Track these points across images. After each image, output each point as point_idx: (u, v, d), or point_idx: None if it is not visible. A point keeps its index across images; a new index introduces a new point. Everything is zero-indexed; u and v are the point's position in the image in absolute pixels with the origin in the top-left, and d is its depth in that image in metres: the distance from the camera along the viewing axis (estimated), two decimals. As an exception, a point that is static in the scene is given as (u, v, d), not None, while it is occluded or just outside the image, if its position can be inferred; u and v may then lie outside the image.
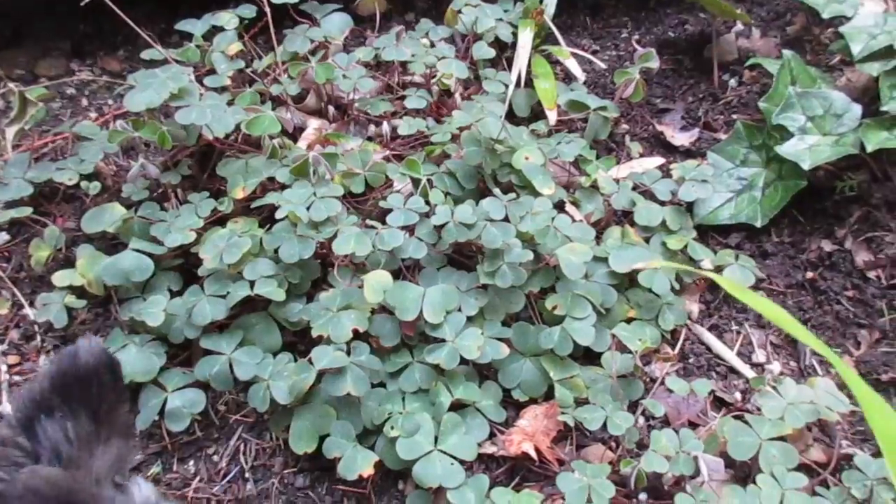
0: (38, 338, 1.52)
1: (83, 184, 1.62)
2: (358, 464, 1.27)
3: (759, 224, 1.61)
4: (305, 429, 1.32)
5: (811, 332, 1.48)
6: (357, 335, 1.33)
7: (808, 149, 1.56)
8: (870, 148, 1.49)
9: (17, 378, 1.47)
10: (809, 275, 1.57)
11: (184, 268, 1.51)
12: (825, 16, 1.72)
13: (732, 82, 1.90)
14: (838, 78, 1.75)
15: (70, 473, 0.90)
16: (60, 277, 1.49)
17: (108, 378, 0.94)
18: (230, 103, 1.59)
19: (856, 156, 1.54)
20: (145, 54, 1.70)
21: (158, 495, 0.97)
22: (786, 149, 1.57)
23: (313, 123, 1.75)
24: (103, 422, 0.94)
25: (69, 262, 1.54)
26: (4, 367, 1.47)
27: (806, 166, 1.53)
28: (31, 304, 1.54)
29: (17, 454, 0.93)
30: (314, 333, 1.33)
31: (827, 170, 1.64)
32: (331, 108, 1.76)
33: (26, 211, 1.59)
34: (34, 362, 1.49)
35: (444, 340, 1.34)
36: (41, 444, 0.92)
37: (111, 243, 1.56)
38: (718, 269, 1.53)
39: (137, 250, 1.46)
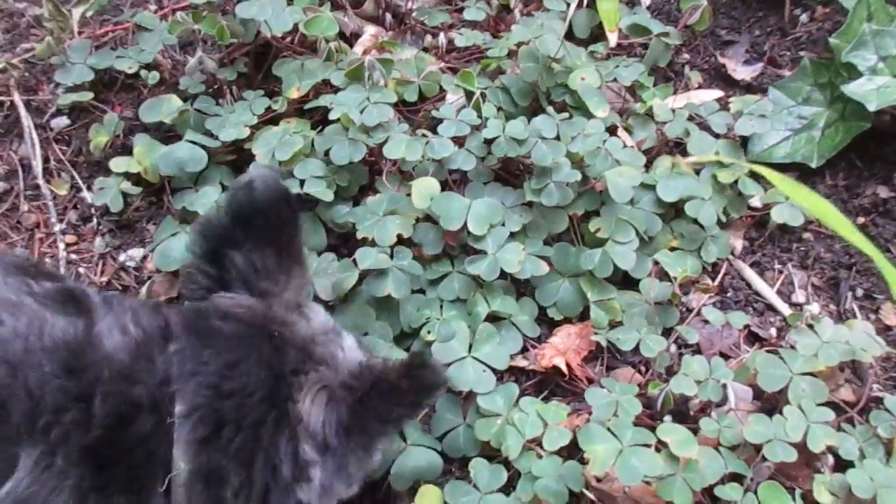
0: (95, 220, 1.57)
1: (142, 73, 1.64)
2: None
3: (814, 165, 1.58)
4: (344, 326, 1.35)
5: (856, 276, 1.48)
6: (400, 241, 1.36)
7: (876, 90, 1.50)
8: (942, 93, 1.43)
9: (73, 256, 1.53)
10: (861, 220, 1.55)
11: (236, 163, 1.54)
12: (912, -50, 1.63)
13: (804, 17, 1.82)
14: (917, 18, 1.67)
15: (265, 302, 0.99)
16: (117, 164, 1.53)
17: (284, 209, 1.00)
18: (289, 2, 1.59)
19: (926, 100, 1.48)
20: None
21: (330, 318, 1.06)
22: (852, 88, 1.52)
23: (370, 30, 1.74)
24: (284, 253, 1.01)
25: (126, 150, 1.58)
26: (63, 246, 1.53)
27: (872, 108, 1.48)
28: (89, 188, 1.60)
29: (207, 282, 1.02)
30: (359, 235, 1.35)
31: (892, 114, 1.58)
32: (388, 16, 1.74)
33: (87, 96, 1.63)
34: (90, 242, 1.55)
35: (485, 252, 1.36)
36: (230, 274, 1.00)
37: (167, 134, 1.60)
38: (767, 207, 1.51)
39: (192, 142, 1.49)
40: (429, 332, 1.32)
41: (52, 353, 0.85)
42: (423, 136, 1.43)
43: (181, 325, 0.94)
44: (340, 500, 1.00)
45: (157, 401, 0.87)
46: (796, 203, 1.50)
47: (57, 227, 1.55)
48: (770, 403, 1.30)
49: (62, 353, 0.85)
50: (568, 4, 1.69)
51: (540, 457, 1.20)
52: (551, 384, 1.38)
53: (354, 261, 1.34)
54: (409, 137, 1.41)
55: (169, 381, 0.88)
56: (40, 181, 1.60)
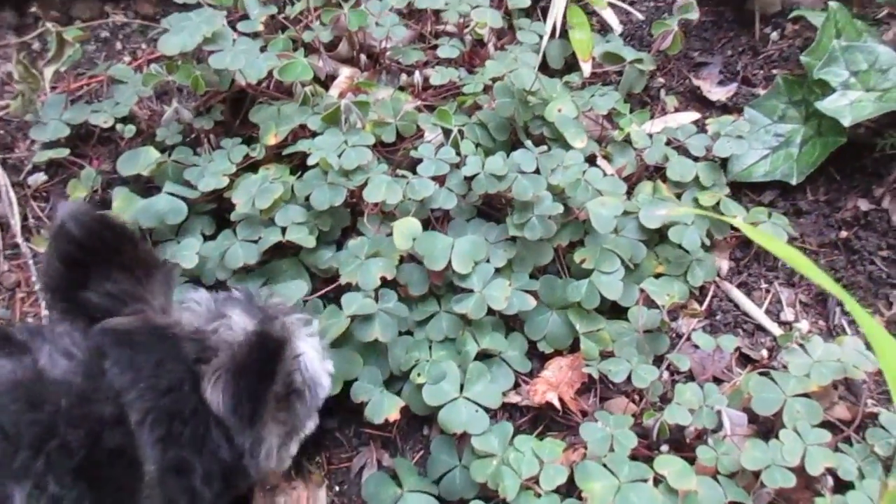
0: (76, 277, 1.55)
1: (118, 126, 1.64)
2: (384, 408, 1.30)
3: (794, 181, 1.59)
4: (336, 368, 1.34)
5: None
6: (385, 283, 1.35)
7: (849, 104, 1.52)
8: (914, 105, 1.45)
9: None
10: (844, 234, 1.55)
11: (216, 212, 1.53)
12: (875, -34, 1.66)
13: (774, 35, 1.84)
14: (885, 31, 1.69)
15: (142, 315, 1.02)
16: (97, 219, 1.52)
17: (107, 233, 1.00)
18: (263, 49, 1.59)
19: (899, 113, 1.50)
20: (179, -3, 1.70)
21: (212, 301, 1.10)
22: (826, 104, 1.53)
23: (345, 71, 1.74)
24: (132, 268, 1.02)
25: (105, 204, 1.57)
26: (44, 304, 1.51)
27: (846, 122, 1.49)
28: (69, 245, 1.57)
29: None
30: (342, 280, 1.35)
31: (868, 127, 1.60)
32: (363, 56, 1.75)
33: (63, 152, 1.62)
34: (72, 301, 1.53)
35: (471, 290, 1.35)
36: (93, 311, 1.01)
37: (146, 186, 1.59)
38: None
39: (171, 194, 1.48)
40: (419, 375, 1.31)
41: (10, 392, 0.87)
42: (403, 176, 1.43)
43: (107, 340, 0.98)
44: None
45: (118, 413, 0.91)
46: (778, 221, 1.50)
47: (38, 286, 1.53)
48: (766, 427, 1.29)
49: (20, 390, 0.88)
50: (541, 36, 1.70)
51: (538, 496, 1.19)
52: (545, 419, 1.37)
53: (340, 306, 1.33)
54: (389, 179, 1.41)
55: (120, 393, 0.92)
56: (19, 239, 1.59)
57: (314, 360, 1.14)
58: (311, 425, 1.17)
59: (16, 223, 1.60)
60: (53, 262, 1.00)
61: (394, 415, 1.30)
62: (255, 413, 0.96)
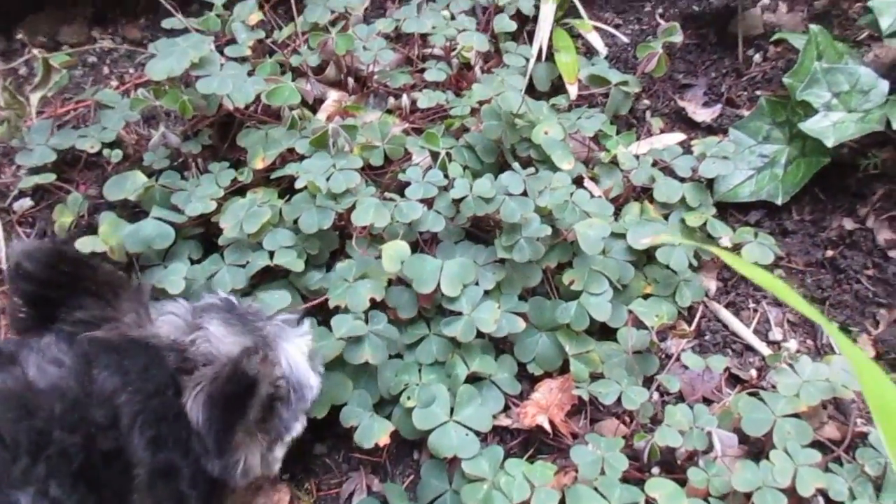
0: (62, 303, 1.54)
1: (105, 151, 1.63)
2: (374, 433, 1.29)
3: (779, 201, 1.60)
4: (327, 392, 1.32)
5: (830, 310, 1.49)
6: (374, 305, 1.34)
7: (832, 125, 1.54)
8: (896, 125, 1.47)
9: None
10: (829, 253, 1.56)
11: (204, 236, 1.52)
12: (854, -10, 1.69)
13: (757, 57, 1.87)
14: (866, 53, 1.72)
15: (116, 331, 1.04)
16: (83, 243, 1.50)
17: (65, 263, 1.01)
18: (250, 73, 1.60)
19: (881, 133, 1.51)
20: (166, 23, 1.70)
21: (189, 311, 1.11)
22: (810, 125, 1.55)
23: (333, 95, 1.75)
24: (99, 292, 1.03)
25: (92, 229, 1.55)
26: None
27: (830, 143, 1.51)
28: (55, 270, 1.56)
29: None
30: (331, 304, 1.34)
31: (851, 147, 1.62)
32: (350, 80, 1.75)
33: (50, 177, 1.61)
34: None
35: (460, 313, 1.35)
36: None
37: (133, 211, 1.58)
38: (737, 247, 1.52)
39: (158, 218, 1.47)
40: (408, 399, 1.30)
41: (4, 402, 0.89)
42: (391, 199, 1.43)
43: (93, 348, 0.99)
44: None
45: (111, 416, 0.93)
46: (765, 241, 1.51)
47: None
48: (756, 447, 1.29)
49: (13, 399, 0.89)
50: (527, 59, 1.72)
51: (529, 520, 1.18)
52: (536, 442, 1.36)
53: (330, 328, 1.32)
54: (378, 202, 1.41)
55: (111, 396, 0.94)
56: (4, 266, 1.57)
57: (301, 363, 1.15)
58: (298, 427, 1.18)
59: (1, 249, 1.59)
60: (18, 304, 1.01)
61: (384, 439, 1.29)
62: (224, 442, 0.98)
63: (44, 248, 1.01)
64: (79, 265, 1.02)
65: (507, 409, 1.38)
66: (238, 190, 1.53)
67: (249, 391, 0.94)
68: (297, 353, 1.16)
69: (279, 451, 1.16)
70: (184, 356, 1.03)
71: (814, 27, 1.65)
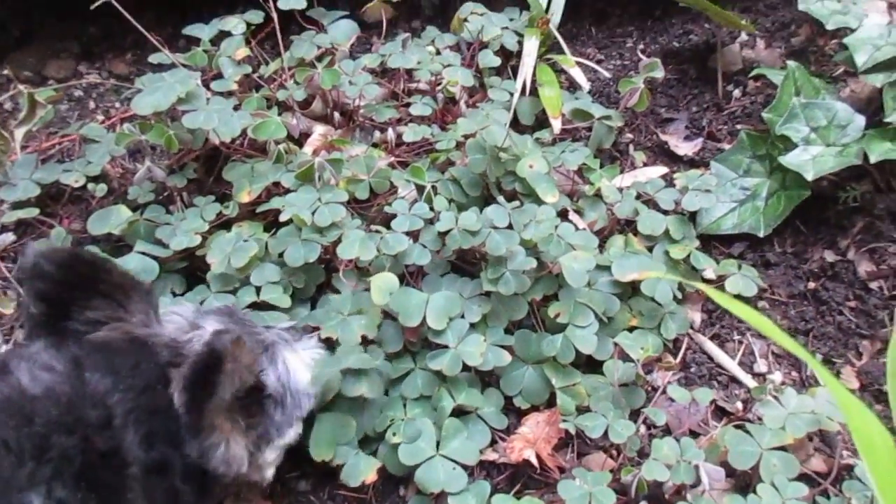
0: (43, 339, 1.52)
1: (89, 185, 1.63)
2: (361, 470, 1.28)
3: (761, 234, 1.62)
4: (325, 436, 1.31)
5: (813, 342, 1.50)
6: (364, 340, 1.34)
7: (811, 159, 1.56)
8: (873, 159, 1.49)
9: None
10: (812, 285, 1.58)
11: (188, 270, 1.52)
12: (829, 27, 1.73)
13: (736, 92, 1.91)
14: (842, 89, 1.76)
15: (119, 329, 1.06)
16: (66, 279, 1.49)
17: (81, 265, 1.05)
18: (237, 108, 1.61)
19: (859, 166, 1.54)
20: (153, 58, 1.72)
21: (191, 312, 1.15)
22: (789, 159, 1.58)
23: (319, 129, 1.76)
24: (110, 293, 1.06)
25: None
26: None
27: (809, 177, 1.54)
28: (37, 305, 1.55)
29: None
30: (322, 335, 1.34)
31: (830, 180, 1.64)
32: (336, 114, 1.77)
33: (33, 212, 1.60)
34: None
35: (446, 347, 1.34)
36: (78, 335, 1.05)
37: (116, 245, 1.57)
38: (721, 279, 1.53)
39: (143, 252, 1.47)
40: (394, 434, 1.29)
41: (5, 411, 0.91)
42: (377, 231, 1.44)
43: (83, 351, 1.02)
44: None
45: (105, 415, 0.96)
46: (748, 273, 1.53)
47: (3, 348, 1.49)
48: (743, 481, 1.29)
49: (13, 408, 0.91)
50: (511, 94, 1.74)
51: (517, 558, 1.16)
52: (523, 476, 1.35)
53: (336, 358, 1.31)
54: (364, 234, 1.41)
55: (104, 397, 0.97)
56: (-12, 299, 1.56)
57: (299, 370, 1.19)
58: (291, 433, 1.21)
59: (-18, 284, 1.57)
60: (33, 302, 1.04)
61: (371, 476, 1.28)
62: (196, 419, 0.99)
63: (61, 250, 1.06)
64: (94, 267, 1.06)
65: (493, 443, 1.37)
66: (223, 224, 1.53)
67: (217, 367, 0.95)
68: (297, 361, 1.20)
69: (270, 455, 1.18)
70: (177, 352, 1.06)
71: (791, 63, 1.68)
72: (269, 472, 1.22)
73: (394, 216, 1.47)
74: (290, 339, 1.24)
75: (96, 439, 0.94)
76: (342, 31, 1.85)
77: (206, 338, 1.04)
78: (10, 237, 1.65)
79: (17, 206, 1.63)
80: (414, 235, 1.46)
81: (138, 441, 0.97)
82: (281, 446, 1.20)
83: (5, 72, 1.95)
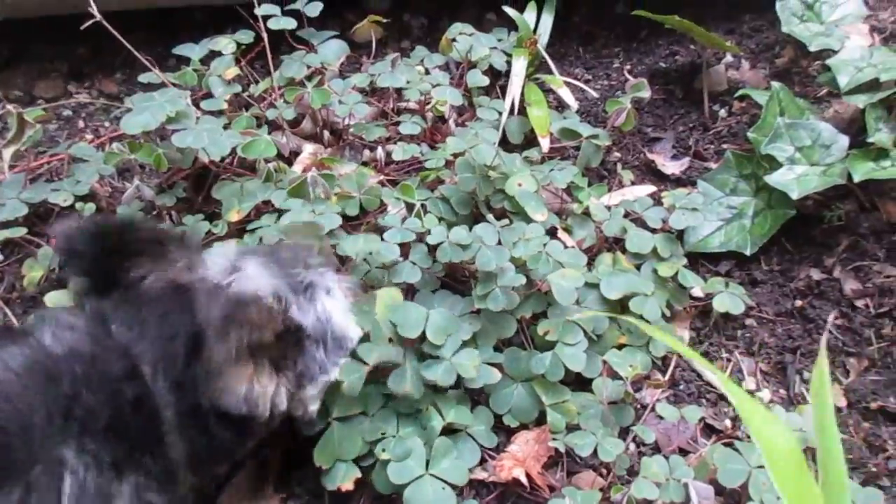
0: (29, 358, 1.51)
1: (78, 205, 1.62)
2: (340, 476, 1.27)
3: (748, 252, 1.63)
4: (331, 445, 1.30)
5: (801, 359, 1.50)
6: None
7: (796, 178, 1.58)
8: (857, 178, 1.51)
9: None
10: (798, 303, 1.59)
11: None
12: (812, 49, 1.76)
13: (722, 112, 1.93)
14: (826, 109, 1.78)
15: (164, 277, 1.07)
16: (53, 298, 1.48)
17: (103, 237, 1.06)
18: (226, 127, 1.61)
19: (843, 186, 1.56)
20: (143, 77, 1.72)
21: (231, 256, 1.14)
22: (775, 178, 1.59)
23: (308, 148, 1.76)
24: (150, 252, 1.08)
25: (62, 283, 1.54)
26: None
27: (794, 196, 1.55)
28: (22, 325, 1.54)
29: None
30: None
31: (815, 199, 1.66)
32: (326, 133, 1.78)
33: (20, 231, 1.59)
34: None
35: (439, 357, 1.34)
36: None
37: (104, 264, 1.56)
38: (709, 297, 1.55)
39: (131, 271, 1.46)
40: (383, 451, 1.28)
41: (28, 371, 0.93)
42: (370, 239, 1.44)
43: (108, 305, 1.04)
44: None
45: (131, 367, 0.98)
46: (735, 291, 1.54)
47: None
48: (733, 499, 1.29)
49: (36, 366, 0.94)
50: (500, 113, 1.75)
51: (507, 578, 1.15)
52: (513, 496, 1.34)
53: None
54: (361, 241, 1.42)
55: (129, 347, 1.00)
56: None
57: (338, 310, 1.18)
58: (334, 371, 1.21)
59: (-28, 304, 1.56)
60: (80, 280, 1.07)
61: (347, 485, 1.26)
62: (215, 370, 1.00)
63: (84, 227, 1.07)
64: (122, 233, 1.07)
65: (483, 461, 1.36)
66: (212, 242, 1.53)
67: (230, 315, 0.98)
68: (337, 299, 1.19)
69: (312, 390, 1.19)
70: (216, 298, 1.05)
71: (776, 84, 1.71)
72: (313, 407, 1.22)
73: (384, 230, 1.47)
74: (328, 274, 1.22)
75: (125, 390, 0.97)
76: (332, 50, 1.87)
77: (249, 280, 1.05)
78: (-4, 256, 1.64)
79: (5, 225, 1.61)
80: (405, 253, 1.46)
81: (168, 388, 0.99)
82: (324, 382, 1.19)
83: (-6, 91, 1.95)
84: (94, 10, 1.56)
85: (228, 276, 1.08)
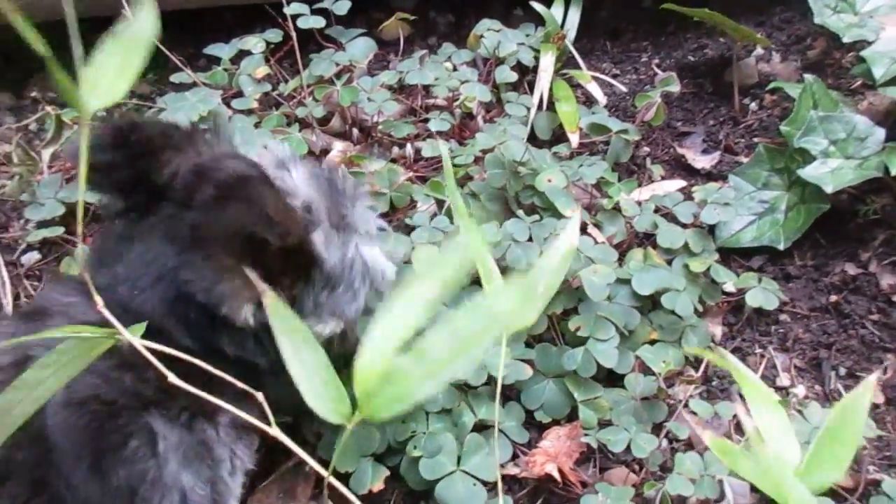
0: (67, 355, 1.54)
1: (113, 204, 1.64)
2: (369, 478, 1.28)
3: (781, 247, 1.61)
4: (351, 448, 1.31)
5: (836, 355, 1.48)
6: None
7: (830, 172, 1.56)
8: (893, 171, 1.49)
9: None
10: (833, 298, 1.57)
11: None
12: (846, 40, 1.74)
13: (753, 106, 1.91)
14: (860, 102, 1.75)
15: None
16: (90, 296, 1.51)
17: (123, 139, 0.98)
18: (257, 125, 1.63)
19: (879, 179, 1.53)
20: (174, 77, 1.75)
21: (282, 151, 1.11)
22: (808, 172, 1.57)
23: (338, 145, 1.78)
24: (168, 142, 1.00)
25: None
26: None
27: (829, 189, 1.53)
28: (61, 322, 1.56)
29: None
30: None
31: (850, 193, 1.64)
32: (355, 131, 1.79)
33: (58, 230, 1.62)
34: (63, 379, 1.51)
35: (467, 359, 1.34)
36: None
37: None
38: (741, 292, 1.53)
39: (166, 269, 1.48)
40: (415, 448, 1.29)
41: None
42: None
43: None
44: None
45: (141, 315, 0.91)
46: (769, 287, 1.52)
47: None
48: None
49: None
50: (528, 109, 1.75)
51: (540, 573, 1.16)
52: (545, 491, 1.35)
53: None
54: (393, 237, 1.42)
55: (134, 286, 0.97)
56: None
57: (372, 253, 1.13)
58: (331, 324, 1.11)
59: (8, 302, 1.59)
60: (115, 199, 1.03)
61: (378, 485, 1.27)
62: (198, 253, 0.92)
63: (104, 132, 0.98)
64: (139, 129, 0.99)
65: (515, 457, 1.37)
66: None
67: (226, 201, 0.89)
68: (370, 248, 1.13)
69: (353, 306, 1.11)
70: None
71: (808, 77, 1.68)
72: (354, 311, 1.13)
73: (414, 229, 1.48)
74: (369, 216, 1.16)
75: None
76: (360, 48, 1.88)
77: (290, 182, 1.00)
78: (35, 256, 1.67)
79: (42, 225, 1.65)
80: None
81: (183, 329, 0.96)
82: (318, 331, 1.08)
83: (33, 94, 1.98)
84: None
85: (274, 171, 1.02)
